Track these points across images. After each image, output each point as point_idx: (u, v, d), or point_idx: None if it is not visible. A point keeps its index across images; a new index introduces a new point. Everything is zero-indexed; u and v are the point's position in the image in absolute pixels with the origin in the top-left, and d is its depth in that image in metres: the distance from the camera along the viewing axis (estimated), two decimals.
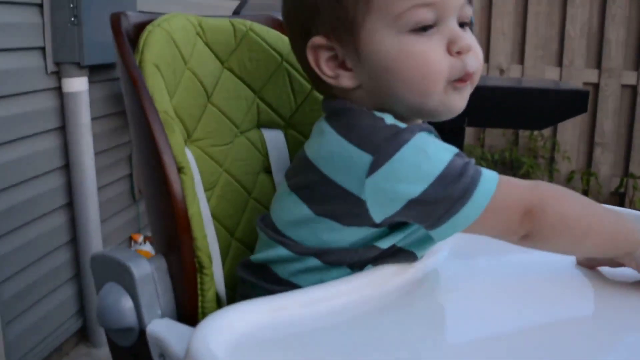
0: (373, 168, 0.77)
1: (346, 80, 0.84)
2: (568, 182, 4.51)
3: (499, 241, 0.83)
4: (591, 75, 4.47)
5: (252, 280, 0.91)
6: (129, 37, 0.90)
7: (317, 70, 0.84)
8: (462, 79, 0.81)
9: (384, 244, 0.84)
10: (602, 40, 4.44)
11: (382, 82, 0.81)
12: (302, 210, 0.84)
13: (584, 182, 4.51)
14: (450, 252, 0.95)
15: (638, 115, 4.45)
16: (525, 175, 4.46)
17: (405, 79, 0.80)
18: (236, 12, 2.37)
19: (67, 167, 2.28)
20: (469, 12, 0.83)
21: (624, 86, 4.46)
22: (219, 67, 1.01)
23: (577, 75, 4.47)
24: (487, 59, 4.56)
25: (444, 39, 0.80)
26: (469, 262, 0.96)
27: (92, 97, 2.31)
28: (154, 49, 0.86)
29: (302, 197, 0.85)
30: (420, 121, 0.88)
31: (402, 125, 0.80)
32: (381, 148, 0.77)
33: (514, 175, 4.46)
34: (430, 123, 0.88)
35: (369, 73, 0.82)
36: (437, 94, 0.80)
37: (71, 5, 2.13)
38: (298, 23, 0.86)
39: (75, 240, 2.33)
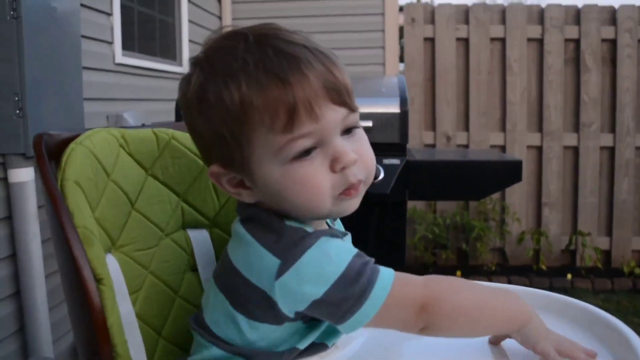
0: (281, 271, 0.83)
1: (247, 196, 0.90)
2: (519, 242, 4.62)
3: None
4: (534, 139, 4.65)
5: None
6: (53, 154, 0.95)
7: (221, 187, 0.92)
8: (348, 190, 0.86)
9: (303, 344, 0.90)
10: (542, 105, 4.64)
11: (277, 201, 0.88)
12: (227, 308, 0.90)
13: (535, 241, 4.62)
14: (367, 337, 1.00)
15: (581, 175, 4.63)
16: (478, 239, 4.57)
17: (294, 201, 0.86)
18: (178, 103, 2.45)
19: (14, 257, 2.29)
20: (353, 120, 0.87)
21: (565, 147, 4.64)
22: (143, 175, 1.07)
23: (521, 139, 4.64)
24: (433, 127, 4.72)
25: (327, 158, 0.85)
26: (387, 346, 1.01)
27: (39, 186, 2.34)
28: (75, 167, 0.92)
29: (227, 297, 0.90)
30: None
31: (309, 229, 0.87)
32: (288, 252, 0.83)
33: (467, 238, 4.57)
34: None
35: (265, 193, 0.88)
36: (326, 209, 0.86)
37: (16, 98, 2.18)
38: (197, 146, 0.95)
39: (22, 329, 2.32)
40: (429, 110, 4.73)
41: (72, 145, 0.96)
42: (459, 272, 4.50)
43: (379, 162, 2.51)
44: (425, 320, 0.85)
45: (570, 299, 1.11)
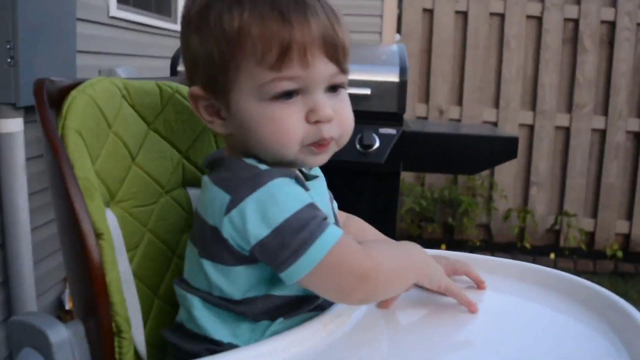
0: (229, 207, 0.82)
1: (219, 127, 0.91)
2: (505, 219, 4.63)
3: None
4: (526, 117, 4.64)
5: (177, 342, 0.93)
6: (54, 101, 0.91)
7: (196, 112, 0.92)
8: (318, 143, 0.87)
9: (278, 291, 0.88)
10: (537, 84, 4.62)
11: (247, 136, 0.88)
12: (196, 257, 0.89)
13: (521, 219, 4.64)
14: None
15: (571, 156, 4.63)
16: (464, 214, 4.57)
17: (263, 139, 0.86)
18: (174, 59, 2.39)
19: (0, 208, 2.25)
20: (340, 79, 0.89)
21: (557, 128, 4.63)
22: (145, 129, 1.03)
23: (513, 117, 4.63)
24: (426, 100, 4.69)
25: (305, 107, 0.86)
26: (392, 312, 0.99)
27: (27, 137, 2.29)
28: (77, 116, 0.88)
29: (195, 245, 0.90)
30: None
31: (264, 167, 0.86)
32: (238, 189, 0.83)
33: (454, 213, 4.58)
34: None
35: (237, 127, 0.89)
36: (291, 154, 0.87)
37: (8, 47, 2.12)
38: (185, 67, 0.94)
39: (7, 282, 2.29)
40: (423, 83, 4.69)
41: (74, 92, 0.92)
42: (443, 246, 4.51)
43: (374, 130, 2.49)
44: (366, 290, 0.84)
45: (573, 276, 1.11)
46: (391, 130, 2.48)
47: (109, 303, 0.83)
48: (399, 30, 4.78)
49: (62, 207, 0.84)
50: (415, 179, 4.71)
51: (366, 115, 2.45)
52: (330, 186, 1.05)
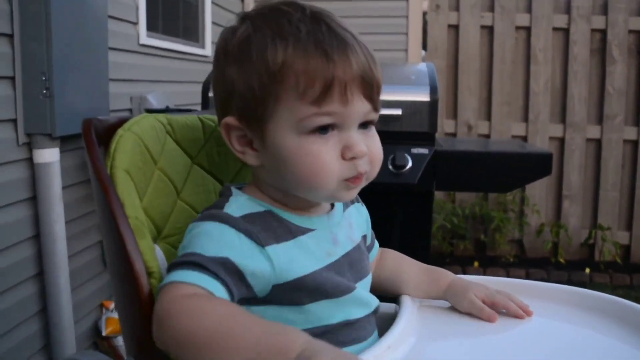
0: None
1: (251, 158, 0.92)
2: (538, 234, 4.58)
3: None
4: (556, 130, 4.59)
5: None
6: (101, 139, 0.92)
7: (228, 143, 0.92)
8: (355, 178, 0.89)
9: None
10: (566, 96, 4.58)
11: (280, 168, 0.89)
12: None
13: (554, 234, 4.58)
14: (418, 337, 0.97)
15: (603, 168, 4.57)
16: (496, 230, 4.52)
17: (300, 172, 0.87)
18: (206, 84, 2.40)
19: (38, 237, 2.27)
20: (373, 117, 0.91)
21: (588, 140, 4.58)
22: (189, 163, 1.04)
23: (543, 130, 4.58)
24: (454, 115, 4.67)
25: (340, 144, 0.87)
26: (439, 344, 0.98)
27: (63, 166, 2.32)
28: (125, 155, 0.89)
29: None
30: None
31: (228, 211, 0.87)
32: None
33: (485, 229, 4.53)
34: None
35: (271, 158, 0.89)
36: (328, 191, 0.89)
37: (43, 78, 2.15)
38: (218, 96, 0.94)
39: (44, 310, 2.31)
40: (451, 99, 4.68)
41: (120, 131, 0.93)
42: (476, 263, 4.46)
43: (406, 151, 2.48)
44: (158, 337, 0.77)
45: (625, 301, 1.08)
46: (423, 150, 2.46)
47: None
48: (424, 47, 4.78)
49: (115, 247, 0.84)
50: (445, 196, 4.68)
51: (398, 135, 2.44)
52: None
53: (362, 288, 0.99)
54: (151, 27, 3.18)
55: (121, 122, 0.95)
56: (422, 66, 2.78)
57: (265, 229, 0.87)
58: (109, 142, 0.92)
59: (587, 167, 4.61)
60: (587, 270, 4.41)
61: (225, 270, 0.80)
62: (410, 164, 2.43)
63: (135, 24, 3.00)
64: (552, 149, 4.55)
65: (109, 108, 2.60)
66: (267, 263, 0.85)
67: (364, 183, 0.93)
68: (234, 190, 0.93)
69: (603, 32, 4.53)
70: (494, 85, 4.61)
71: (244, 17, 0.92)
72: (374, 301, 1.01)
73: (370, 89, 0.88)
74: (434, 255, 4.55)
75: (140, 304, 0.81)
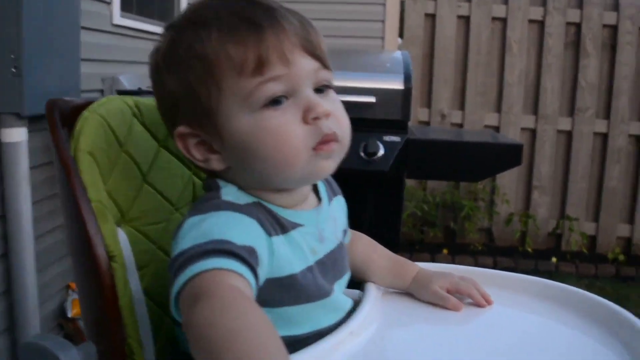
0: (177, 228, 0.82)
1: (216, 163, 0.86)
2: (507, 224, 4.63)
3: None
4: (528, 121, 4.64)
5: None
6: (66, 121, 0.91)
7: (188, 155, 0.87)
8: (323, 141, 0.82)
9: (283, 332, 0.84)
10: (539, 88, 4.62)
11: (247, 162, 0.83)
12: None
13: (522, 223, 4.64)
14: (381, 322, 0.98)
15: (573, 160, 4.63)
16: (466, 218, 4.57)
17: (265, 154, 0.81)
18: None
19: (4, 218, 2.24)
20: (326, 76, 0.85)
21: (559, 131, 4.63)
22: (155, 147, 1.03)
23: (515, 121, 4.62)
24: (429, 104, 4.69)
25: (299, 109, 0.82)
26: (403, 329, 0.99)
27: (31, 146, 2.28)
28: (89, 137, 0.88)
29: None
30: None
31: (228, 199, 0.83)
32: (189, 212, 0.82)
33: (455, 217, 4.57)
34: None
35: (234, 154, 0.84)
36: (300, 164, 0.82)
37: (12, 56, 2.11)
38: (164, 113, 0.90)
39: (9, 291, 2.28)
40: (426, 87, 4.69)
41: (85, 113, 0.92)
42: (445, 250, 4.51)
43: (379, 138, 2.49)
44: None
45: (583, 292, 1.10)
46: (395, 138, 2.47)
47: (121, 326, 0.83)
48: (401, 35, 4.78)
49: (76, 231, 0.84)
50: (417, 184, 4.71)
51: (371, 122, 2.45)
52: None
53: (339, 289, 0.96)
54: (125, 7, 3.13)
55: (87, 104, 0.94)
56: (397, 54, 2.78)
57: (265, 219, 0.83)
58: (74, 124, 0.90)
59: (557, 158, 4.67)
60: (554, 259, 4.47)
61: (254, 260, 0.75)
62: (382, 152, 2.44)
63: (109, 3, 2.95)
64: (524, 139, 4.60)
65: (80, 88, 2.56)
66: (268, 254, 0.80)
67: (337, 150, 0.85)
68: (220, 182, 0.87)
69: (578, 26, 4.57)
70: (468, 75, 4.63)
71: (166, 28, 0.88)
72: (348, 304, 0.98)
73: (310, 45, 0.83)
74: (404, 242, 4.58)
75: (101, 288, 0.81)
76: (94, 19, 2.79)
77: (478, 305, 1.04)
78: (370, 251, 1.12)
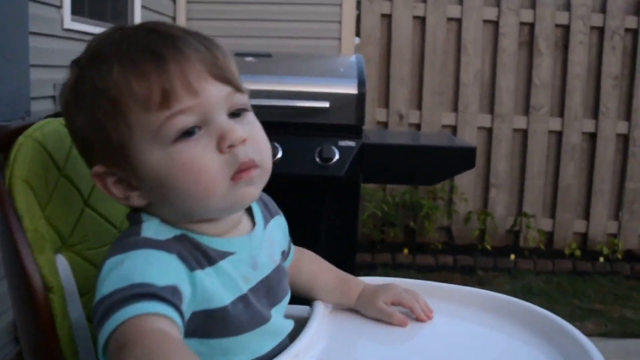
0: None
1: (136, 199, 0.83)
2: (465, 222, 4.69)
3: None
4: (485, 120, 4.70)
5: None
6: (2, 146, 0.89)
7: (108, 194, 0.84)
8: (240, 169, 0.80)
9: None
10: (494, 87, 4.68)
11: (166, 197, 0.81)
12: None
13: (481, 221, 4.70)
14: (328, 342, 0.98)
15: (529, 157, 4.70)
16: (426, 217, 4.61)
17: (182, 188, 0.79)
18: None
19: None
20: (240, 100, 0.83)
21: (515, 130, 4.70)
22: None
23: (472, 120, 4.68)
24: (386, 105, 4.71)
25: (213, 138, 0.79)
26: (350, 348, 1.00)
27: None
28: (25, 164, 0.86)
29: None
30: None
31: (148, 235, 0.80)
32: (110, 251, 0.79)
33: (415, 217, 4.61)
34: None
35: (152, 190, 0.81)
36: (219, 195, 0.80)
37: None
38: (80, 152, 0.88)
39: None
40: (383, 88, 4.71)
41: (21, 138, 0.90)
42: (406, 250, 4.55)
43: (334, 143, 2.49)
44: None
45: (522, 302, 1.13)
46: (350, 143, 2.48)
47: (60, 357, 0.82)
48: (358, 35, 4.79)
49: (11, 262, 0.82)
50: (376, 185, 4.73)
51: (325, 127, 2.45)
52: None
53: (278, 314, 0.93)
54: (76, 11, 3.08)
55: (23, 128, 0.92)
56: (352, 58, 2.79)
57: (189, 253, 0.80)
58: (9, 150, 0.89)
59: (513, 156, 4.74)
60: (512, 256, 4.54)
61: (177, 299, 0.73)
62: (337, 157, 2.45)
63: (59, 7, 2.90)
64: (480, 139, 4.66)
65: (30, 95, 2.51)
66: (191, 289, 0.77)
67: (258, 176, 0.83)
68: (143, 215, 0.84)
69: (531, 26, 4.64)
70: (425, 76, 4.67)
71: (70, 65, 0.86)
72: (288, 327, 0.96)
73: (218, 70, 0.80)
74: (365, 242, 4.60)
75: (38, 319, 0.79)
76: (44, 23, 2.74)
77: (418, 319, 1.05)
78: (315, 269, 1.12)
